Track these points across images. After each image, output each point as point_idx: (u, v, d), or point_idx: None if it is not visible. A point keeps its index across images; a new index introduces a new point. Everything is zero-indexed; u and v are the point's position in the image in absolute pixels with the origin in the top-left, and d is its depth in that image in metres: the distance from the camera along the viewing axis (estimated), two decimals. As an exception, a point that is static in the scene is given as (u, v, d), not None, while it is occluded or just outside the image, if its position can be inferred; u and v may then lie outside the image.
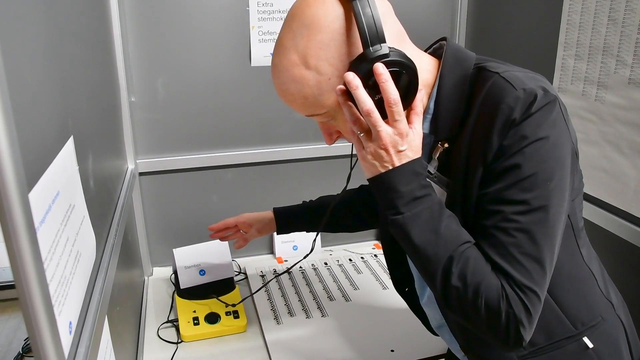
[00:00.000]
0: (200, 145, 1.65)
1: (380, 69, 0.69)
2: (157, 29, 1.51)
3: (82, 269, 0.73)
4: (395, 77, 0.71)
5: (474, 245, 0.71)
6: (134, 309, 1.37)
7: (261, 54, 1.58)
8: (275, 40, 0.81)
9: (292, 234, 1.72)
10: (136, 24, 1.49)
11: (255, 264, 1.72)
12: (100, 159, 1.03)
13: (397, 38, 0.75)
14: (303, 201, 1.30)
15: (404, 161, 0.71)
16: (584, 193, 1.30)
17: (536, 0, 1.46)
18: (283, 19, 1.62)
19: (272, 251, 1.84)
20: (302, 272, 1.65)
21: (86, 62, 0.99)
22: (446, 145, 0.77)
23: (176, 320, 1.41)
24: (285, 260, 1.76)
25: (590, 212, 1.31)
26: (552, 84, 1.40)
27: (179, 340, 1.36)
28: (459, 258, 0.68)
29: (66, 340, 0.60)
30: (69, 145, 0.73)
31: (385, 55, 0.70)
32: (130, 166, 1.53)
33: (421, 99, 0.75)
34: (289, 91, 0.74)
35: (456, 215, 0.72)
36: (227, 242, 1.56)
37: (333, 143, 0.82)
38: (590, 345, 0.79)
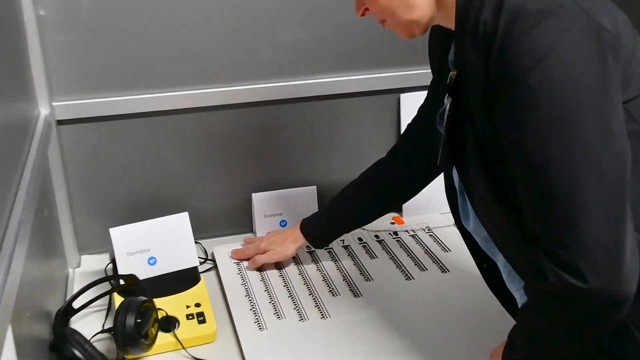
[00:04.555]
0: (146, 81, 1.42)
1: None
2: None
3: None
4: None
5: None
6: (52, 315, 1.21)
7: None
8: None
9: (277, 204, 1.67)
10: None
11: (228, 247, 1.52)
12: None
13: None
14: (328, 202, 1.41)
15: None
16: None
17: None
18: None
19: (251, 229, 1.62)
20: (294, 259, 1.48)
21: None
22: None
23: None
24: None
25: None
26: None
27: (119, 358, 1.15)
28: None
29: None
30: None
31: None
32: (43, 111, 1.32)
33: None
34: None
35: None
36: (187, 217, 1.38)
37: (361, 16, 0.99)
38: None
